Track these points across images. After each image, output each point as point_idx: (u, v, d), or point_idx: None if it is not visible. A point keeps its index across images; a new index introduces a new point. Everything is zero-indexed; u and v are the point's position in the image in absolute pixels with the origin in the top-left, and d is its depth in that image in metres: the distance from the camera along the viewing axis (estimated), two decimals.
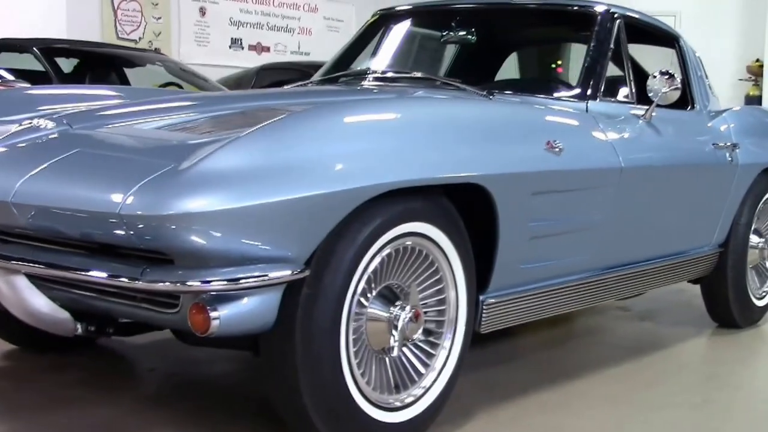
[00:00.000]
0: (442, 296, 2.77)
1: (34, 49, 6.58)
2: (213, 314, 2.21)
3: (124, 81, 7.50)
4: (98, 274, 2.30)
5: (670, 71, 3.64)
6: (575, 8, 3.82)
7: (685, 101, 4.13)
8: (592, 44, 3.67)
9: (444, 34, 4.12)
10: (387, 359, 2.65)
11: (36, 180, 2.38)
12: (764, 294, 4.56)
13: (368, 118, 2.57)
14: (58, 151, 2.52)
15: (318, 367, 2.41)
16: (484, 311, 2.89)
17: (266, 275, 2.23)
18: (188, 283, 2.18)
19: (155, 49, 8.60)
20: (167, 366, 3.55)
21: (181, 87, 7.36)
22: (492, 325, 2.96)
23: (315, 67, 9.11)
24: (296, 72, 9.33)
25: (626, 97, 3.76)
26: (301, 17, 11.30)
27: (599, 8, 3.77)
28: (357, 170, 2.37)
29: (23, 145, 2.63)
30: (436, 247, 2.69)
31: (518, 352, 3.94)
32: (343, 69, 4.13)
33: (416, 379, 2.73)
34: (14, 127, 2.73)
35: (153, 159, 2.36)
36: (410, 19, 4.30)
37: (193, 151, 2.31)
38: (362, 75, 3.95)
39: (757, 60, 12.17)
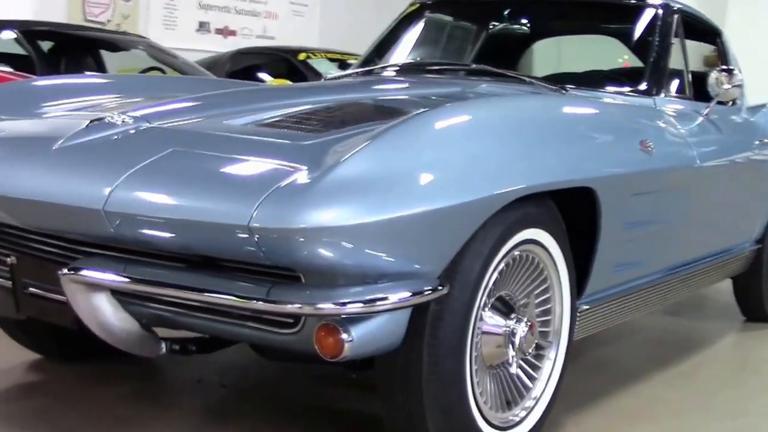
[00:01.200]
0: (548, 306, 2.63)
1: (15, 31, 6.19)
2: (345, 336, 2.02)
3: (101, 66, 7.16)
4: (215, 293, 2.09)
5: (730, 68, 3.56)
6: (635, 1, 3.71)
7: None
8: (656, 38, 3.56)
9: (494, 25, 3.96)
10: (500, 375, 2.50)
11: (132, 185, 2.14)
12: None
13: (493, 118, 2.41)
14: (147, 151, 2.29)
15: (444, 389, 2.25)
16: (578, 318, 2.76)
17: (406, 295, 2.05)
18: (319, 306, 1.99)
19: (129, 32, 8.24)
20: (214, 375, 3.33)
21: (164, 72, 7.06)
22: (583, 331, 2.85)
23: (288, 51, 8.98)
24: (270, 56, 9.15)
25: (683, 92, 3.67)
26: (267, 1, 11.02)
27: (658, 1, 3.67)
28: (491, 176, 2.21)
29: (99, 144, 2.39)
30: (546, 254, 2.55)
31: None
32: (382, 58, 3.98)
33: (524, 393, 2.59)
34: (83, 124, 2.48)
35: (272, 162, 2.15)
36: (452, 9, 4.13)
37: (318, 154, 2.13)
38: (414, 66, 3.78)
39: (714, 50, 12.24)
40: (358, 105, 2.74)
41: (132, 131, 2.43)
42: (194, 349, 2.49)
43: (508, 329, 2.43)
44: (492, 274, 2.33)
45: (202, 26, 10.38)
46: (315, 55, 8.78)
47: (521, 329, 2.44)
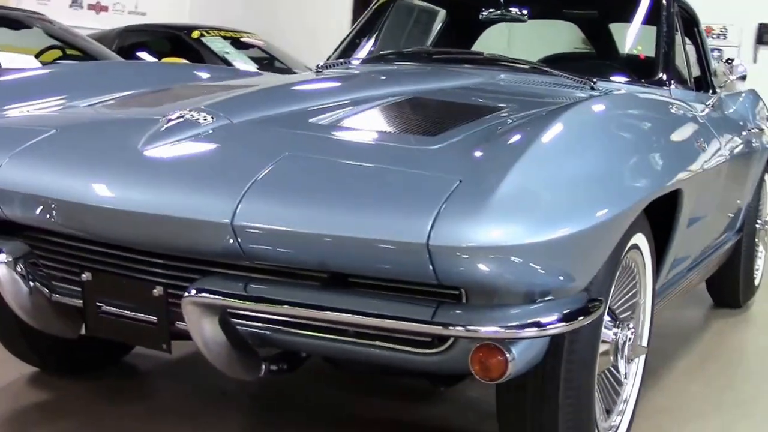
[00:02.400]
0: (638, 309, 2.58)
1: None
2: (509, 356, 1.90)
3: None
4: (371, 316, 1.89)
5: (731, 59, 3.60)
6: None
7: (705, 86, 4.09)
8: (663, 28, 3.53)
9: (491, 12, 3.85)
10: (603, 383, 2.43)
11: (260, 196, 1.93)
12: (757, 272, 4.66)
13: (617, 124, 2.33)
14: (258, 156, 2.09)
15: (578, 404, 2.18)
16: None
17: (576, 317, 1.93)
18: (494, 328, 1.84)
19: None
20: (236, 387, 3.11)
21: (63, 51, 6.58)
22: None
23: (181, 29, 8.59)
24: (160, 34, 8.73)
25: (684, 82, 3.68)
26: None
27: None
28: (629, 185, 2.15)
29: (191, 146, 2.15)
30: (641, 258, 2.50)
31: None
32: (361, 47, 3.79)
33: (616, 398, 2.54)
34: (163, 123, 2.23)
35: (413, 171, 1.98)
36: None
37: (457, 162, 2.00)
38: (418, 54, 3.63)
39: None
40: (425, 102, 2.60)
41: (215, 130, 2.21)
42: (285, 368, 2.28)
43: (615, 337, 2.35)
44: (613, 282, 2.25)
45: (75, 2, 9.90)
46: (208, 33, 8.45)
47: (627, 335, 2.38)
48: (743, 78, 3.59)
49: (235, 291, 1.96)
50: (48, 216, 2.15)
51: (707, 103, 3.62)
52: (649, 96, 2.98)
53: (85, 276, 2.18)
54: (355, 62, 3.60)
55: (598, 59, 3.90)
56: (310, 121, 2.35)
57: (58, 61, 6.29)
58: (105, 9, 10.31)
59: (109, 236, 2.12)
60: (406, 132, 2.28)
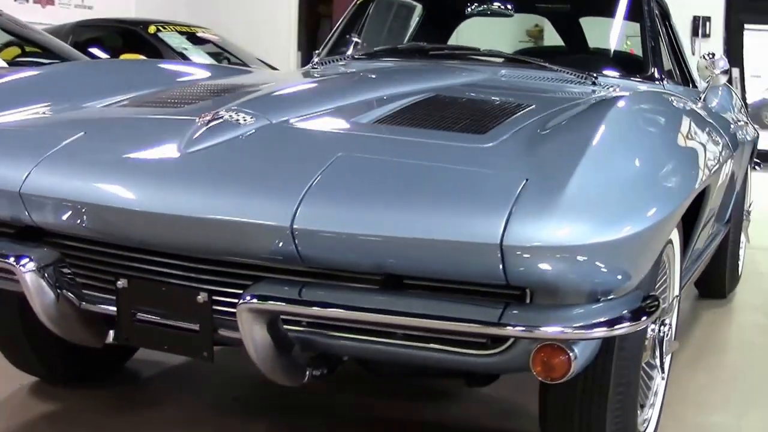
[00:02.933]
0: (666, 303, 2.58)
1: None
2: (571, 355, 1.87)
3: None
4: (435, 319, 1.85)
5: (713, 53, 3.61)
6: None
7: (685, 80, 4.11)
8: (647, 23, 3.55)
9: (476, 6, 3.82)
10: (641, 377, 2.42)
11: (319, 199, 1.88)
12: (740, 262, 4.72)
13: (665, 118, 2.32)
14: (308, 157, 2.04)
15: (626, 400, 2.17)
16: None
17: (640, 315, 1.90)
18: (565, 329, 1.80)
19: None
20: (247, 392, 3.04)
21: (23, 48, 6.38)
22: None
23: (137, 24, 8.43)
24: (115, 29, 8.57)
25: (672, 78, 3.70)
26: None
27: None
28: (680, 181, 2.13)
29: (236, 148, 2.09)
30: (672, 252, 2.49)
31: None
32: (346, 43, 3.73)
33: (647, 392, 2.54)
34: (203, 124, 2.15)
35: (473, 168, 1.96)
36: None
37: (517, 160, 1.97)
38: (414, 50, 3.59)
39: (536, 25, 12.67)
40: (449, 99, 2.56)
41: (257, 131, 2.16)
42: (325, 372, 2.23)
43: (654, 332, 2.34)
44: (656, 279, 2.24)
45: None
46: (165, 28, 8.31)
47: (665, 330, 2.37)
48: (726, 72, 3.60)
49: (292, 296, 1.90)
50: (82, 222, 2.07)
51: (699, 98, 3.63)
52: (667, 93, 2.98)
53: (121, 283, 2.09)
54: (351, 59, 3.54)
55: (569, 54, 3.88)
56: (350, 120, 2.29)
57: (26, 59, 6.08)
58: (51, 2, 10.08)
59: (150, 242, 2.03)
60: (449, 129, 2.24)
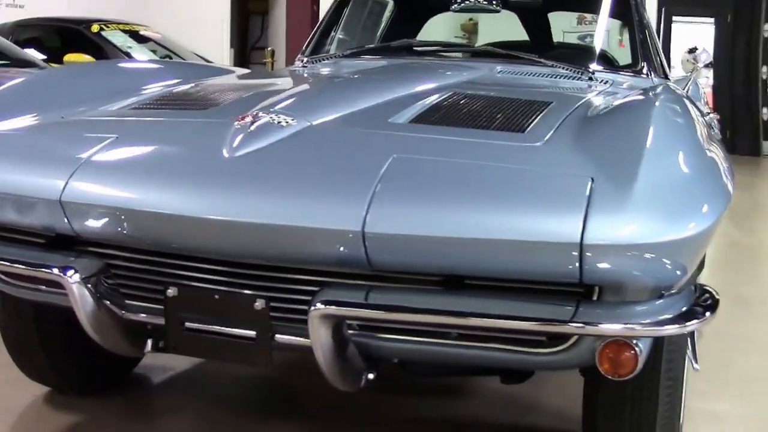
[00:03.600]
0: None
1: None
2: (638, 350, 1.88)
3: None
4: (503, 318, 1.85)
5: (695, 47, 3.69)
6: None
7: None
8: (635, 17, 3.61)
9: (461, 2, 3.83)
10: None
11: (386, 202, 1.85)
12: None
13: (695, 113, 2.34)
14: (362, 159, 2.02)
15: (674, 394, 2.21)
16: None
17: (706, 310, 1.93)
18: (638, 326, 1.83)
19: None
20: (257, 396, 3.01)
21: None
22: None
23: (80, 23, 8.21)
24: (52, 29, 8.35)
25: (657, 71, 3.74)
26: None
27: None
28: (726, 172, 2.15)
29: (286, 150, 2.05)
30: None
31: None
32: (330, 41, 3.77)
33: None
34: (245, 126, 2.11)
35: (547, 170, 1.97)
36: None
37: (587, 160, 1.96)
38: (405, 48, 3.57)
39: (470, 19, 12.76)
40: (469, 96, 2.55)
41: (301, 133, 2.12)
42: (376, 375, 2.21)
43: None
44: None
45: None
46: (108, 27, 8.13)
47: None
48: (709, 66, 3.68)
49: (362, 300, 1.89)
50: (128, 229, 2.01)
51: (685, 90, 3.69)
52: (675, 89, 3.02)
53: (171, 291, 2.04)
54: (339, 57, 3.51)
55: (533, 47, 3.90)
56: (385, 120, 2.28)
57: None
58: None
59: (202, 249, 1.99)
60: (486, 128, 2.23)
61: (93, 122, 2.40)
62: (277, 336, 2.01)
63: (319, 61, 3.53)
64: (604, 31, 3.76)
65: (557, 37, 4.48)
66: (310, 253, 1.91)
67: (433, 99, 2.48)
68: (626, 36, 3.79)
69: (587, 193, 1.80)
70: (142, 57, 7.94)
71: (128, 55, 7.86)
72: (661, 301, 1.88)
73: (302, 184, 1.95)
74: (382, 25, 4.24)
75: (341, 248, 1.86)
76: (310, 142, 2.11)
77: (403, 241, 1.83)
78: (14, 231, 2.23)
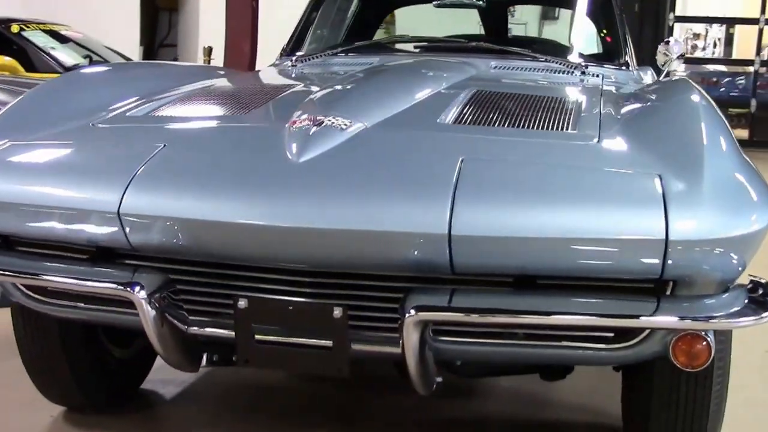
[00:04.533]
0: None
1: None
2: (709, 341, 1.94)
3: None
4: (586, 315, 1.88)
5: (668, 40, 3.78)
6: None
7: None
8: (616, 11, 3.69)
9: None
10: None
11: (474, 204, 1.86)
12: None
13: None
14: (436, 162, 2.01)
15: (722, 386, 2.26)
16: None
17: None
18: (720, 318, 1.87)
19: None
20: (281, 406, 2.96)
21: None
22: None
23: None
24: None
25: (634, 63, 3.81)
26: None
27: None
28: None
29: (351, 154, 2.03)
30: None
31: None
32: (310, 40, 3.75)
33: None
34: (296, 130, 2.09)
35: (614, 168, 1.99)
36: None
37: (647, 157, 2.00)
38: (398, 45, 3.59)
39: None
40: (498, 96, 2.55)
41: (362, 135, 2.10)
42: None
43: None
44: None
45: None
46: (28, 27, 7.83)
47: None
48: (681, 57, 3.77)
49: (453, 305, 1.89)
50: (192, 241, 1.96)
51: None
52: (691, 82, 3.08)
53: (242, 303, 2.00)
54: (330, 56, 3.49)
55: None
56: (431, 121, 2.28)
57: None
58: None
59: (277, 258, 1.94)
60: (535, 128, 2.25)
61: (130, 129, 2.33)
62: (353, 345, 1.99)
63: (307, 60, 3.49)
64: (587, 25, 3.81)
65: None
66: (391, 258, 1.89)
67: (463, 98, 2.48)
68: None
69: (661, 190, 1.85)
70: (66, 58, 7.67)
71: (51, 56, 7.58)
72: (728, 294, 1.93)
73: (378, 188, 1.93)
74: (348, 20, 4.20)
75: (425, 252, 1.86)
76: (372, 145, 2.09)
77: (489, 242, 1.84)
78: (43, 246, 2.16)
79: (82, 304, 2.19)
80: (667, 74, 3.68)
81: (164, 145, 2.11)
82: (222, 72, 3.22)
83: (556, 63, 3.31)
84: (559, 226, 1.83)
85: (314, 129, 2.06)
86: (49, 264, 2.12)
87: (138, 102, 2.55)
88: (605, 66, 3.45)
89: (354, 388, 2.98)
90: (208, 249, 1.97)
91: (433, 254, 1.85)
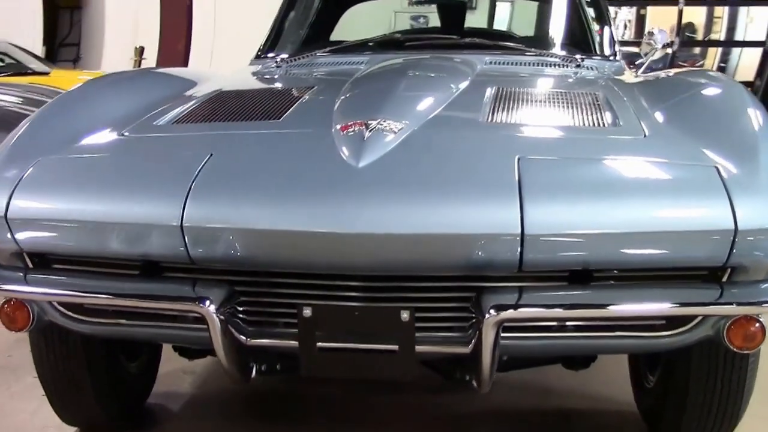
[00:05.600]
0: None
1: None
2: (763, 323, 2.02)
3: None
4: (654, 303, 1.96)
5: (652, 31, 3.87)
6: None
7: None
8: (602, 3, 3.74)
9: None
10: None
11: (544, 202, 1.90)
12: None
13: None
14: (493, 162, 2.04)
15: (755, 364, 2.34)
16: None
17: None
18: None
19: None
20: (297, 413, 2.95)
21: None
22: None
23: None
24: None
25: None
26: None
27: None
28: None
29: (407, 156, 2.04)
30: None
31: None
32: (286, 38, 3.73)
33: None
34: (343, 134, 2.10)
35: (677, 162, 2.06)
36: None
37: (697, 149, 2.08)
38: (391, 42, 3.57)
39: None
40: (517, 94, 2.59)
41: (413, 137, 2.12)
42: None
43: None
44: None
45: None
46: None
47: None
48: (669, 45, 3.86)
49: (527, 303, 1.92)
50: (256, 251, 1.94)
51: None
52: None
53: (307, 312, 1.98)
54: (318, 56, 3.45)
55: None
56: (478, 120, 2.31)
57: None
58: None
59: (344, 265, 1.94)
60: (576, 125, 2.30)
61: (167, 140, 2.30)
62: (417, 347, 2.00)
63: (293, 61, 3.44)
64: (579, 18, 3.84)
65: None
66: (460, 260, 1.91)
67: (489, 96, 2.51)
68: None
69: (721, 183, 1.93)
70: None
71: None
72: None
73: (444, 191, 1.94)
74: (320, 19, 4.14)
75: (495, 252, 1.89)
76: (425, 147, 2.10)
77: (560, 240, 1.89)
78: (80, 263, 2.11)
79: (124, 321, 2.14)
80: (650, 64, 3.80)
81: (211, 155, 2.07)
82: (215, 75, 3.15)
83: (552, 57, 3.36)
84: (627, 220, 1.89)
85: (368, 134, 2.06)
86: (97, 282, 2.07)
87: (156, 111, 2.51)
88: (594, 58, 3.46)
89: (356, 389, 2.98)
90: (273, 258, 1.96)
91: (503, 254, 1.88)
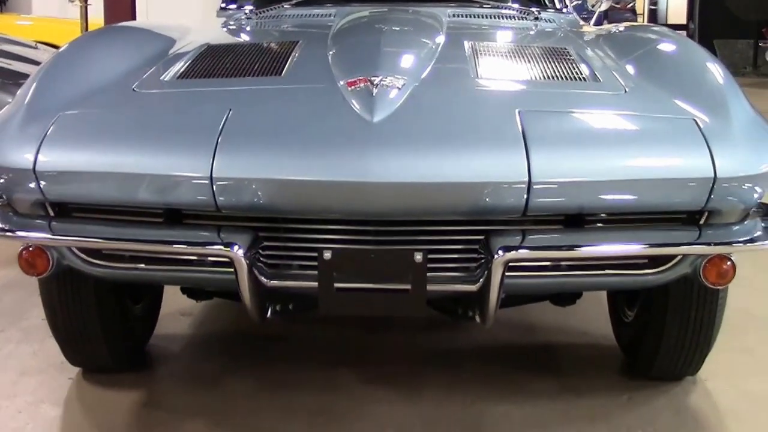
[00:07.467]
0: None
1: None
2: (733, 261, 2.23)
3: None
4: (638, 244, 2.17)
5: None
6: None
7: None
8: None
9: None
10: None
11: (548, 151, 2.08)
12: None
13: None
14: (495, 114, 2.24)
15: (724, 299, 2.56)
16: None
17: None
18: (754, 243, 2.18)
19: None
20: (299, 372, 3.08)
21: None
22: None
23: None
24: None
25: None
26: None
27: None
28: None
29: (418, 110, 2.20)
30: None
31: None
32: None
33: None
34: (351, 89, 2.24)
35: (655, 115, 2.25)
36: None
37: (675, 102, 2.28)
38: None
39: None
40: (491, 49, 2.75)
41: (417, 92, 2.26)
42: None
43: None
44: None
45: None
46: None
47: None
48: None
49: (533, 245, 2.10)
50: (281, 200, 2.09)
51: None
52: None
53: (327, 255, 2.13)
54: (286, 8, 3.53)
55: None
56: (470, 76, 2.47)
57: None
58: None
59: (364, 211, 2.09)
60: (559, 78, 2.47)
61: (181, 95, 2.41)
62: (429, 286, 2.17)
63: (263, 12, 3.51)
64: None
65: None
66: (470, 206, 2.09)
67: (469, 51, 2.67)
68: None
69: (701, 133, 2.14)
70: None
71: None
72: (748, 221, 2.23)
73: (455, 143, 2.11)
74: None
75: (503, 198, 2.06)
76: (431, 102, 2.26)
77: (563, 187, 2.07)
78: (99, 211, 2.23)
79: (143, 265, 2.26)
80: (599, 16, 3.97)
81: (230, 110, 2.19)
82: (191, 30, 3.17)
83: (507, 9, 3.51)
84: (619, 169, 2.09)
85: (375, 90, 2.21)
86: (122, 229, 2.20)
87: (156, 66, 2.60)
88: (548, 11, 3.61)
89: (354, 331, 3.10)
90: (296, 206, 2.11)
91: (510, 199, 2.06)
